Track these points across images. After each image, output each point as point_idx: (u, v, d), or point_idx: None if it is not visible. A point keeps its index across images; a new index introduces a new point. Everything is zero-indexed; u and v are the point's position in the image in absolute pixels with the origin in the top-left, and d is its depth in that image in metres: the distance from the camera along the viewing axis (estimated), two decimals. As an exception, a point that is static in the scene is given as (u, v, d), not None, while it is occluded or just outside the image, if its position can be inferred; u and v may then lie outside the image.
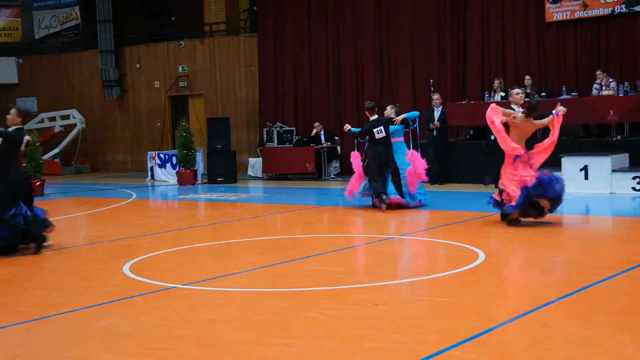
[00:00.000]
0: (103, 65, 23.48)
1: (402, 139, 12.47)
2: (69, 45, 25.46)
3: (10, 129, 8.94)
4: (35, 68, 25.74)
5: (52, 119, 23.99)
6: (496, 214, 10.33)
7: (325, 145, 18.54)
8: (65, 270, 8.00)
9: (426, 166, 12.30)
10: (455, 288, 6.61)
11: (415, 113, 12.65)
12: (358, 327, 5.43)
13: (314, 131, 18.93)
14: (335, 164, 18.77)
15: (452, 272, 7.21)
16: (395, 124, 12.20)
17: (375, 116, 12.29)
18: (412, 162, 12.09)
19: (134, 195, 16.04)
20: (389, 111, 12.59)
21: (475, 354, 4.75)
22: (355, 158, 12.48)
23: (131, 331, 5.55)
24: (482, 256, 7.86)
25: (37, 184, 16.18)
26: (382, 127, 12.10)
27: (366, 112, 12.52)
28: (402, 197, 11.93)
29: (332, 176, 18.42)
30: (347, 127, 12.71)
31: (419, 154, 12.43)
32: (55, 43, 25.84)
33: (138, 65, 23.57)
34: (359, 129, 12.81)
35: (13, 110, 9.00)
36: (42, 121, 24.06)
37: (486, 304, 6.09)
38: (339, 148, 18.71)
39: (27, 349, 5.22)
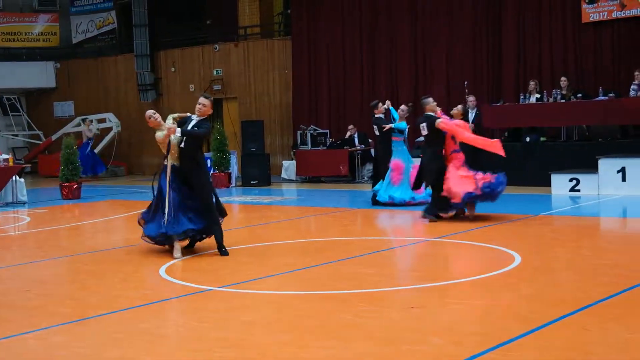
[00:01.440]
0: (138, 69, 23.76)
1: (400, 139, 13.02)
2: (106, 50, 25.80)
3: (193, 122, 8.28)
4: (73, 72, 26.11)
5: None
6: (533, 216, 10.24)
7: (358, 147, 18.53)
8: (103, 272, 8.08)
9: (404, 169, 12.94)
10: (492, 291, 6.57)
11: (404, 125, 13.07)
12: (394, 329, 5.42)
13: (348, 134, 18.93)
14: (369, 167, 18.67)
15: (489, 275, 7.16)
16: (384, 129, 12.91)
17: (379, 115, 13.15)
18: (394, 169, 12.73)
19: (170, 198, 16.13)
20: (403, 109, 13.30)
21: (514, 357, 4.71)
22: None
23: (168, 333, 5.60)
24: (518, 259, 7.79)
25: (74, 186, 16.40)
26: (375, 127, 13.09)
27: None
28: (379, 193, 12.78)
29: (366, 179, 18.37)
30: (388, 103, 13.65)
31: (399, 160, 12.90)
32: (92, 47, 26.22)
33: (173, 69, 23.79)
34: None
35: (207, 102, 8.28)
36: (78, 125, 24.38)
37: (524, 306, 6.03)
38: (372, 151, 18.66)
39: (69, 349, 5.28)
